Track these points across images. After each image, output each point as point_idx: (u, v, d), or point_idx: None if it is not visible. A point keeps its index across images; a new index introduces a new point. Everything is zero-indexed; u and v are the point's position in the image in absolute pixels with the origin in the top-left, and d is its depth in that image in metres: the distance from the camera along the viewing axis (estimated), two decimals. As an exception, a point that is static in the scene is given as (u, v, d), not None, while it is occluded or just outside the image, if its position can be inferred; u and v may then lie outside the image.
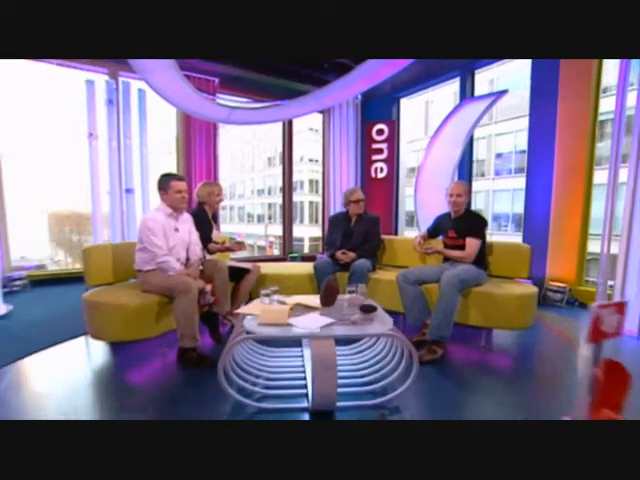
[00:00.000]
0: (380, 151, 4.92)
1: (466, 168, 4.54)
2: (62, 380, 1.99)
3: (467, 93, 4.52)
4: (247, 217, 27.91)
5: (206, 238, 2.72)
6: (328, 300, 2.04)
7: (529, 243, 3.93)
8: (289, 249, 6.02)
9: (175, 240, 2.33)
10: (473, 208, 4.66)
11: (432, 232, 2.95)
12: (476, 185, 18.34)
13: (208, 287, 2.22)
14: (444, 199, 3.88)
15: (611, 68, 3.62)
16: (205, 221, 2.80)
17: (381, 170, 4.95)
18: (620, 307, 0.96)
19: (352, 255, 2.98)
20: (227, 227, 26.98)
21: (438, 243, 2.89)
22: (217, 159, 5.18)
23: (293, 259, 5.71)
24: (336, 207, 5.67)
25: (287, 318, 1.75)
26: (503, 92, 3.90)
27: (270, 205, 25.73)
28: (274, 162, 25.21)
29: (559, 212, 3.73)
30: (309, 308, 1.99)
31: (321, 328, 1.65)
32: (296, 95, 4.45)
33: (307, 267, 3.17)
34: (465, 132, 4.00)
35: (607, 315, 0.95)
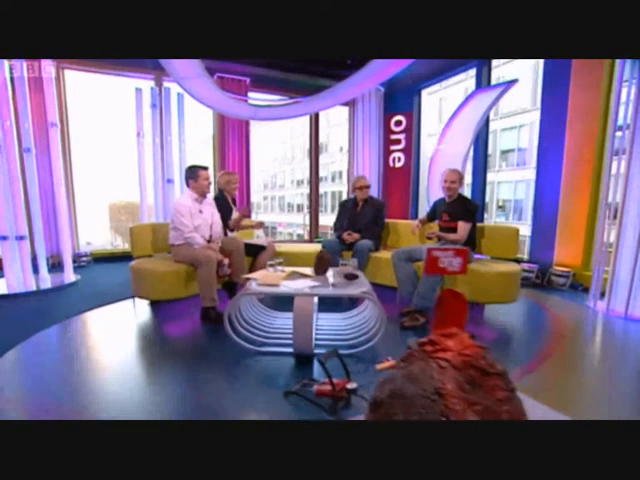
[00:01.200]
0: (398, 142, 5.17)
1: (480, 159, 4.69)
2: (115, 328, 2.59)
3: (483, 82, 4.62)
4: (287, 207, 28.75)
5: (227, 218, 3.22)
6: (320, 269, 2.44)
7: (538, 230, 4.08)
8: (315, 235, 6.47)
9: (200, 220, 2.82)
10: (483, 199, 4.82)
11: (430, 216, 3.23)
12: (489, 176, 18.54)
13: (226, 260, 2.72)
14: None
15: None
16: (226, 204, 3.30)
17: (399, 160, 5.20)
18: (459, 252, 1.25)
19: (356, 236, 3.34)
20: (268, 216, 28.00)
21: (435, 226, 3.16)
22: (249, 153, 5.71)
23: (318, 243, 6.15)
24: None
25: (280, 281, 2.18)
26: (513, 81, 3.99)
27: (309, 195, 26.33)
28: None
29: (567, 200, 3.81)
30: (304, 276, 2.40)
31: (304, 288, 2.06)
32: (321, 91, 4.83)
33: (318, 247, 3.58)
34: (476, 122, 4.15)
35: (446, 257, 1.25)
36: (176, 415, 1.54)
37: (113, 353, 2.20)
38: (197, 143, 5.82)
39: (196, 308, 2.82)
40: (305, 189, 26.99)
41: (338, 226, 3.57)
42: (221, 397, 1.72)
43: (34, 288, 3.42)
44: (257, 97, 5.63)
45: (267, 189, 30.86)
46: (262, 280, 2.19)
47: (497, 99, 4.06)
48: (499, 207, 18.78)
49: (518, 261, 4.16)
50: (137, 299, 2.94)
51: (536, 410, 1.45)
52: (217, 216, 3.02)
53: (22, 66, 3.41)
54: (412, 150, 5.14)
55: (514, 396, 0.91)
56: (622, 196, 2.90)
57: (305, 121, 6.60)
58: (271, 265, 2.53)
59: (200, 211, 2.85)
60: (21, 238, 3.41)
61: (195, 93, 3.71)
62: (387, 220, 3.64)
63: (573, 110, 3.68)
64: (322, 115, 6.32)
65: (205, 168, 2.90)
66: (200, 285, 2.61)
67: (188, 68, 3.27)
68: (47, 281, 3.64)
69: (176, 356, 2.14)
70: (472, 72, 4.87)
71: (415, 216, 5.43)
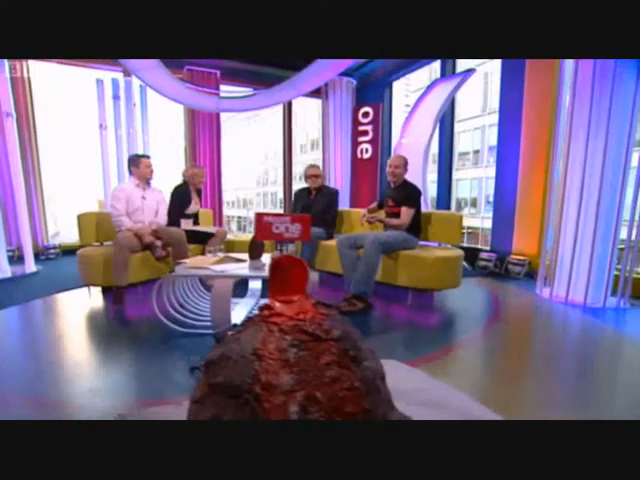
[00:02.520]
0: (365, 133, 5.18)
1: (445, 158, 4.75)
2: (58, 313, 2.63)
3: (447, 73, 4.65)
4: (280, 202, 28.80)
5: (181, 210, 3.29)
6: (253, 254, 2.46)
7: (498, 221, 4.13)
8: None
9: (139, 205, 2.95)
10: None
11: (379, 203, 3.27)
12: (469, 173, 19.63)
13: (158, 242, 2.80)
14: (419, 182, 4.17)
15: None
16: (185, 195, 3.37)
17: (366, 151, 5.22)
18: (296, 218, 1.26)
19: (308, 225, 3.37)
20: (261, 211, 28.04)
21: (384, 213, 3.18)
22: (220, 147, 5.73)
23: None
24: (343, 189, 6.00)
25: (208, 264, 2.20)
26: (471, 71, 4.01)
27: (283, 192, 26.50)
28: (305, 149, 25.75)
29: (524, 191, 3.87)
30: (238, 260, 2.43)
31: (222, 270, 2.09)
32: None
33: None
34: (436, 112, 4.17)
35: (282, 223, 1.28)
36: (88, 390, 1.57)
37: (48, 335, 2.24)
38: (167, 136, 5.80)
39: (144, 294, 2.85)
40: (298, 185, 27.11)
41: (293, 212, 3.60)
42: (135, 373, 1.75)
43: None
44: (228, 89, 5.63)
45: (260, 185, 30.89)
46: (191, 264, 2.22)
47: (456, 88, 4.08)
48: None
49: (477, 250, 4.21)
50: (93, 287, 2.98)
51: (412, 376, 1.49)
52: (163, 208, 3.15)
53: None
54: (379, 141, 5.15)
55: (349, 362, 0.94)
56: (562, 181, 2.93)
57: (303, 116, 6.61)
58: (210, 251, 2.56)
59: (143, 197, 2.99)
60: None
61: (152, 84, 3.72)
62: (340, 209, 3.67)
63: (528, 105, 3.74)
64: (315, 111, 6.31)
65: (147, 157, 3.09)
66: (112, 265, 2.71)
67: (139, 60, 3.27)
68: (7, 272, 3.67)
69: (109, 338, 2.18)
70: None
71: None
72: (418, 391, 1.39)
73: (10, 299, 2.83)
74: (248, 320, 1.01)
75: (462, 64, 4.84)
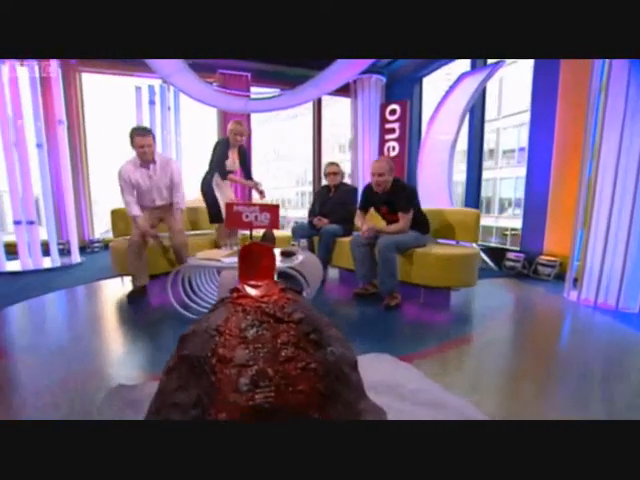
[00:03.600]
0: (392, 130, 5.13)
1: (475, 155, 4.59)
2: (93, 298, 2.89)
3: (478, 64, 4.48)
4: (316, 202, 28.93)
5: (219, 164, 3.36)
6: (265, 249, 2.56)
7: (528, 221, 3.93)
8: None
9: (148, 185, 2.76)
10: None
11: (364, 207, 3.01)
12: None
13: (152, 231, 2.76)
14: (444, 178, 4.08)
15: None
16: (222, 151, 3.38)
17: (393, 149, 5.16)
18: (265, 207, 1.30)
19: (325, 221, 3.42)
20: (300, 212, 28.33)
21: (376, 217, 3.05)
22: (250, 147, 5.94)
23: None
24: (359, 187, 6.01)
25: (219, 257, 2.32)
26: (499, 63, 3.84)
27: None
28: (344, 149, 25.76)
29: (557, 189, 3.66)
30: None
31: (233, 263, 2.19)
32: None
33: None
34: (463, 107, 4.04)
35: (252, 212, 1.31)
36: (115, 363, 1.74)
37: (85, 315, 2.49)
38: (200, 138, 6.10)
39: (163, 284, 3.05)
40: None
41: (311, 211, 3.66)
42: (146, 350, 1.91)
43: (43, 267, 3.87)
44: (257, 91, 5.82)
45: (298, 185, 31.28)
46: (203, 255, 2.35)
47: (485, 80, 3.93)
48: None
49: (505, 251, 4.03)
50: (125, 276, 3.24)
51: (400, 370, 1.49)
52: (179, 181, 2.86)
53: (34, 67, 3.84)
54: (406, 139, 5.07)
55: (308, 345, 0.99)
56: (594, 179, 2.74)
57: (339, 117, 6.69)
58: (224, 244, 2.70)
59: (149, 177, 2.76)
60: (31, 223, 3.85)
61: (183, 88, 3.96)
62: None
63: (563, 103, 3.55)
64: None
65: (144, 134, 2.65)
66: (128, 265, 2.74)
67: (169, 65, 3.50)
68: (57, 261, 4.09)
69: (133, 320, 2.38)
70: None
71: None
72: (401, 385, 1.41)
73: (58, 284, 3.19)
74: (220, 301, 1.09)
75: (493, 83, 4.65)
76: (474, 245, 3.79)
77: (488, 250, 4.28)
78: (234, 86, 5.50)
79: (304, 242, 2.73)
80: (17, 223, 3.86)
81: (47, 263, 3.99)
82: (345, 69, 3.94)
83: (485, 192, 19.79)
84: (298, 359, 0.94)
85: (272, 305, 1.02)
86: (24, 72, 3.77)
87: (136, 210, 2.73)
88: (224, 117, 5.62)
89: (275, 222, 1.28)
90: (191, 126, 5.12)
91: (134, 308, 2.66)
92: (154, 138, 2.74)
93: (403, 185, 2.81)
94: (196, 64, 4.74)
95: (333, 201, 3.51)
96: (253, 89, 5.78)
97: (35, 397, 1.45)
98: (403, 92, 5.71)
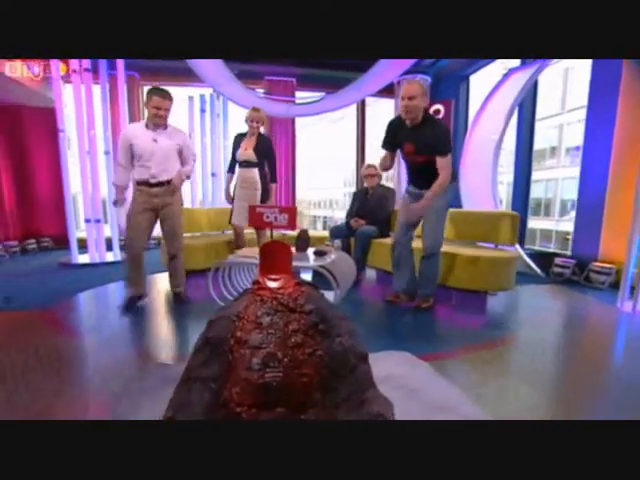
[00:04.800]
0: (436, 131, 5.04)
1: (523, 154, 4.38)
2: (153, 287, 3.21)
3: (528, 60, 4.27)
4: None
5: (231, 158, 3.28)
6: (300, 246, 2.68)
7: (581, 225, 3.69)
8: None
9: (150, 149, 2.40)
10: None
11: (390, 144, 2.41)
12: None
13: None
14: (488, 179, 3.95)
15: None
16: (235, 142, 3.28)
17: (436, 150, 5.06)
18: (284, 209, 1.37)
19: (361, 222, 3.47)
20: (340, 212, 28.33)
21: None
22: (295, 150, 6.16)
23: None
24: (402, 188, 5.97)
25: (256, 254, 2.48)
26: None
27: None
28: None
29: (616, 192, 3.39)
30: (285, 253, 2.67)
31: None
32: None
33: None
34: (509, 105, 3.88)
35: (272, 213, 1.39)
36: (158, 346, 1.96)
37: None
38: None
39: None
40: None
41: (349, 213, 3.73)
42: (184, 338, 2.11)
43: (106, 260, 4.34)
44: (303, 95, 6.00)
45: (346, 186, 31.35)
46: (241, 253, 2.53)
47: (534, 76, 3.75)
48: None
49: (554, 256, 3.80)
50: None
51: (415, 366, 1.52)
52: (189, 155, 2.61)
53: (105, 84, 4.33)
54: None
55: (316, 334, 1.08)
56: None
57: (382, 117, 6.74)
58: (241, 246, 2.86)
59: (154, 140, 2.43)
60: (98, 221, 4.33)
61: (230, 96, 4.23)
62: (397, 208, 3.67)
63: (624, 103, 3.29)
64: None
65: (164, 96, 2.39)
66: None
67: (218, 75, 3.77)
68: (118, 256, 4.56)
69: (177, 310, 2.62)
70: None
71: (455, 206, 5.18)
72: (411, 381, 1.44)
73: (118, 276, 3.57)
74: (243, 291, 1.22)
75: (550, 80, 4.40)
76: (518, 247, 3.64)
77: (534, 254, 4.06)
78: (280, 91, 5.73)
79: (338, 242, 2.81)
80: (87, 221, 4.36)
81: (109, 257, 4.45)
82: (387, 71, 3.97)
83: (545, 193, 18.32)
84: (306, 345, 1.03)
85: (287, 297, 1.12)
86: (97, 89, 4.24)
87: (121, 179, 2.54)
88: (269, 121, 5.88)
89: (292, 222, 1.38)
90: (240, 128, 5.44)
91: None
92: (171, 104, 2.48)
93: (436, 119, 2.35)
94: (244, 72, 5.04)
95: (370, 203, 3.55)
96: (298, 94, 5.98)
97: (97, 371, 1.68)
98: (449, 91, 5.58)
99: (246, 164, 3.17)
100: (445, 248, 2.77)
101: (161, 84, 5.58)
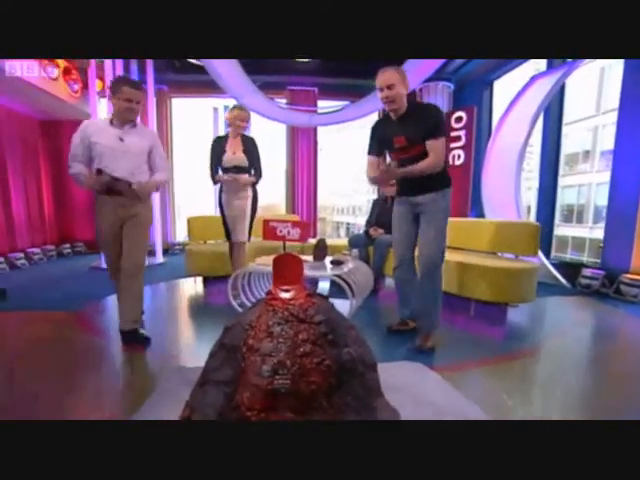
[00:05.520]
0: (458, 139, 4.98)
1: (549, 159, 4.27)
2: (168, 293, 3.33)
3: (555, 63, 4.17)
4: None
5: (214, 165, 2.77)
6: (317, 256, 2.72)
7: (612, 232, 3.55)
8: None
9: (114, 149, 2.01)
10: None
11: (377, 147, 2.14)
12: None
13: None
14: (511, 185, 3.88)
15: None
16: (216, 149, 2.79)
17: (458, 157, 5.00)
18: (296, 224, 1.40)
19: (380, 231, 3.47)
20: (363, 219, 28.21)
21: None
22: (317, 158, 6.24)
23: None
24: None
25: (274, 262, 2.54)
26: (577, 61, 3.54)
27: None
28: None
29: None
30: (304, 261, 2.72)
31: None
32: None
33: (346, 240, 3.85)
34: (533, 112, 3.80)
35: (285, 227, 1.42)
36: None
37: (164, 306, 2.90)
38: (273, 150, 6.54)
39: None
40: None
41: (367, 221, 3.74)
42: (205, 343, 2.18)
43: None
44: (325, 105, 6.08)
45: (370, 192, 31.28)
46: (259, 261, 2.59)
47: (559, 81, 3.66)
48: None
49: (580, 266, 3.67)
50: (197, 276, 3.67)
51: (425, 377, 1.52)
52: (160, 159, 2.20)
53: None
54: (472, 147, 4.88)
55: (325, 343, 1.12)
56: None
57: None
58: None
59: (121, 139, 2.04)
60: (127, 227, 4.55)
61: (253, 107, 4.35)
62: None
63: None
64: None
65: (137, 87, 2.03)
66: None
67: (241, 87, 3.90)
68: (146, 261, 4.76)
69: (198, 313, 2.71)
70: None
71: (477, 215, 5.10)
72: (421, 392, 1.44)
73: (145, 280, 3.70)
74: (257, 301, 1.27)
75: (584, 80, 4.29)
76: (542, 257, 3.54)
77: (560, 264, 3.92)
78: (302, 101, 5.85)
79: (356, 252, 2.83)
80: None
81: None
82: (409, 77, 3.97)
83: (578, 199, 17.57)
84: (314, 355, 1.07)
85: (297, 307, 1.16)
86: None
87: (77, 166, 2.02)
88: (292, 129, 5.99)
89: (304, 236, 1.43)
90: (262, 138, 5.58)
91: (202, 303, 3.00)
92: (143, 97, 2.14)
93: (424, 104, 2.09)
94: (266, 83, 5.18)
95: (389, 212, 3.54)
96: (320, 103, 6.07)
97: (119, 372, 1.77)
98: (472, 97, 5.52)
99: (236, 170, 2.74)
100: (463, 258, 2.75)
101: (188, 96, 5.84)
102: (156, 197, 4.91)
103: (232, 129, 2.79)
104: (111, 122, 2.06)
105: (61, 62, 4.07)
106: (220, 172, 2.83)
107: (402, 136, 1.95)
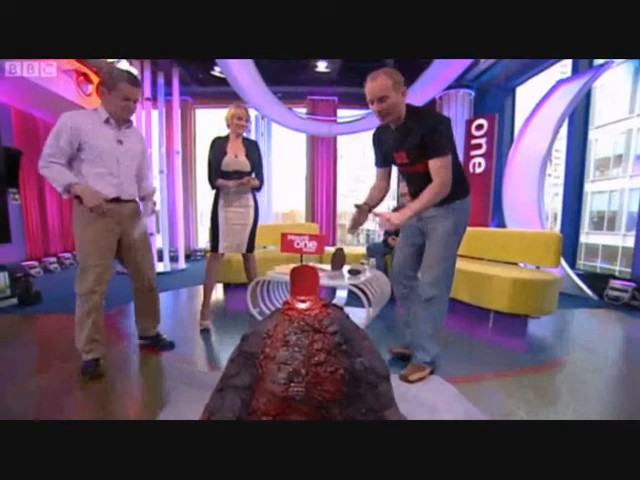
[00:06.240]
0: (479, 146, 4.93)
1: (574, 166, 4.16)
2: (198, 298, 3.44)
3: (581, 68, 4.08)
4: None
5: (214, 168, 2.47)
6: (335, 265, 2.76)
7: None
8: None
9: (113, 153, 1.79)
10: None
11: (383, 161, 1.88)
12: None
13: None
14: (534, 194, 3.81)
15: None
16: (217, 151, 2.49)
17: (479, 165, 4.94)
18: (313, 237, 1.42)
19: (398, 240, 3.47)
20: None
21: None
22: (336, 165, 6.30)
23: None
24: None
25: (292, 270, 2.59)
26: (606, 64, 3.45)
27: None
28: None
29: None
30: (322, 270, 2.76)
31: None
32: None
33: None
34: (557, 118, 3.73)
35: (302, 240, 1.44)
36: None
37: (183, 311, 3.00)
38: (292, 158, 6.65)
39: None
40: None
41: (386, 230, 3.75)
42: (221, 349, 2.24)
43: (157, 270, 4.69)
44: (345, 114, 6.14)
45: (392, 199, 31.18)
46: (277, 270, 2.65)
47: (585, 87, 3.57)
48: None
49: (608, 277, 3.54)
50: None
51: (440, 389, 1.52)
52: (145, 162, 2.01)
53: (162, 109, 4.75)
54: (493, 154, 4.81)
55: (339, 353, 1.15)
56: None
57: None
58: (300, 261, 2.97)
59: (119, 141, 1.82)
60: (151, 234, 4.71)
61: (273, 117, 4.46)
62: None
63: None
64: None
65: (136, 84, 1.79)
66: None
67: (262, 98, 4.01)
68: (168, 267, 4.92)
69: (217, 319, 2.79)
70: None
71: (498, 225, 5.00)
72: (434, 403, 1.44)
73: (167, 286, 3.88)
74: (275, 311, 1.32)
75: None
76: (565, 266, 3.45)
77: (587, 276, 3.80)
78: (322, 110, 5.93)
79: (373, 261, 2.85)
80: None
81: (160, 267, 4.81)
82: (428, 87, 3.99)
83: (609, 205, 16.90)
84: (328, 364, 1.10)
85: (312, 318, 1.20)
86: (156, 113, 4.68)
87: (65, 176, 1.66)
88: (312, 137, 6.08)
89: (320, 249, 1.47)
90: (283, 146, 5.69)
91: (221, 309, 3.08)
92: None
93: (427, 111, 1.73)
94: (287, 93, 5.30)
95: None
96: (340, 112, 6.14)
97: (147, 373, 1.85)
98: (494, 104, 5.45)
99: (237, 175, 2.48)
100: (482, 268, 2.72)
101: (211, 107, 6.04)
102: (179, 203, 5.09)
103: (232, 130, 2.52)
104: (107, 121, 1.79)
105: (95, 78, 4.30)
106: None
107: (402, 152, 1.70)
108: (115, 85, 1.73)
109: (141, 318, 2.18)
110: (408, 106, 1.68)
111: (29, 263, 4.50)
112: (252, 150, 2.58)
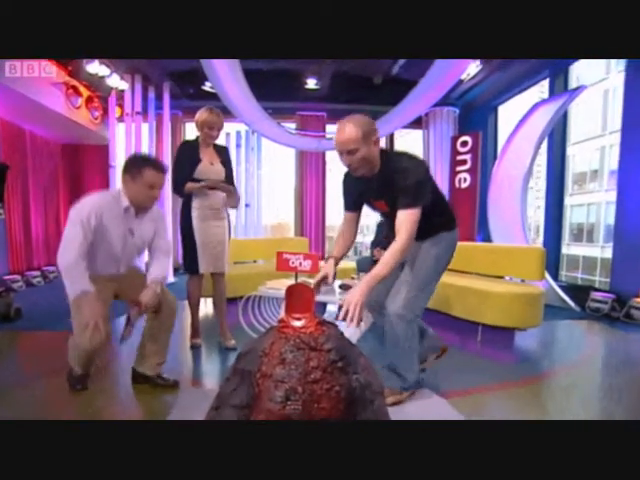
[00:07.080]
0: (464, 162, 5.08)
1: (554, 180, 4.34)
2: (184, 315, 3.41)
3: (557, 90, 4.29)
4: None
5: (182, 177, 2.23)
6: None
7: (621, 254, 3.56)
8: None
9: (124, 243, 1.73)
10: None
11: (354, 205, 1.74)
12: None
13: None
14: (517, 208, 3.93)
15: None
16: (189, 156, 2.26)
17: (465, 180, 5.09)
18: (307, 256, 1.47)
19: (384, 253, 3.53)
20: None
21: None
22: (325, 181, 6.39)
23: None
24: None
25: (284, 286, 2.61)
26: (579, 88, 3.64)
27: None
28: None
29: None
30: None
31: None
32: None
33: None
34: (537, 137, 3.89)
35: (297, 259, 1.49)
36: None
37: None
38: (281, 172, 6.71)
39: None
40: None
41: (372, 243, 3.81)
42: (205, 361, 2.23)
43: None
44: (334, 130, 6.26)
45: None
46: (270, 285, 2.67)
47: (561, 109, 3.75)
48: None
49: (589, 289, 3.66)
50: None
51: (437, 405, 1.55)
52: (164, 239, 1.92)
53: (153, 123, 4.76)
54: (478, 170, 4.97)
55: (335, 370, 1.17)
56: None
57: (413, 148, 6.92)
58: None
59: (130, 231, 1.74)
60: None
61: (263, 132, 4.53)
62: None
63: None
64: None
65: (160, 170, 1.68)
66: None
67: (252, 114, 4.07)
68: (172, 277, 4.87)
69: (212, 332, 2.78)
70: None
71: (484, 238, 5.13)
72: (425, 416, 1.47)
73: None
74: (270, 328, 1.34)
75: (574, 81, 4.42)
76: (549, 279, 3.55)
77: (569, 287, 3.92)
78: (311, 126, 6.04)
79: (363, 275, 2.88)
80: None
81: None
82: (415, 105, 4.12)
83: (588, 218, 17.45)
84: (324, 381, 1.12)
85: (308, 335, 1.23)
86: (146, 126, 4.70)
87: (86, 283, 1.56)
88: (301, 152, 6.17)
89: (315, 267, 1.51)
90: (272, 159, 5.76)
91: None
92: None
93: (401, 159, 1.56)
94: (277, 108, 5.39)
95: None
96: (329, 127, 6.26)
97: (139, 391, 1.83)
98: (477, 122, 5.65)
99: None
100: (469, 282, 2.79)
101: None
102: (168, 216, 5.07)
103: (201, 138, 2.29)
104: (126, 209, 1.70)
105: (85, 91, 4.31)
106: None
107: (381, 201, 1.62)
108: (139, 173, 1.63)
109: (144, 350, 1.88)
110: (382, 152, 1.57)
111: (11, 277, 4.39)
112: (226, 157, 2.43)
